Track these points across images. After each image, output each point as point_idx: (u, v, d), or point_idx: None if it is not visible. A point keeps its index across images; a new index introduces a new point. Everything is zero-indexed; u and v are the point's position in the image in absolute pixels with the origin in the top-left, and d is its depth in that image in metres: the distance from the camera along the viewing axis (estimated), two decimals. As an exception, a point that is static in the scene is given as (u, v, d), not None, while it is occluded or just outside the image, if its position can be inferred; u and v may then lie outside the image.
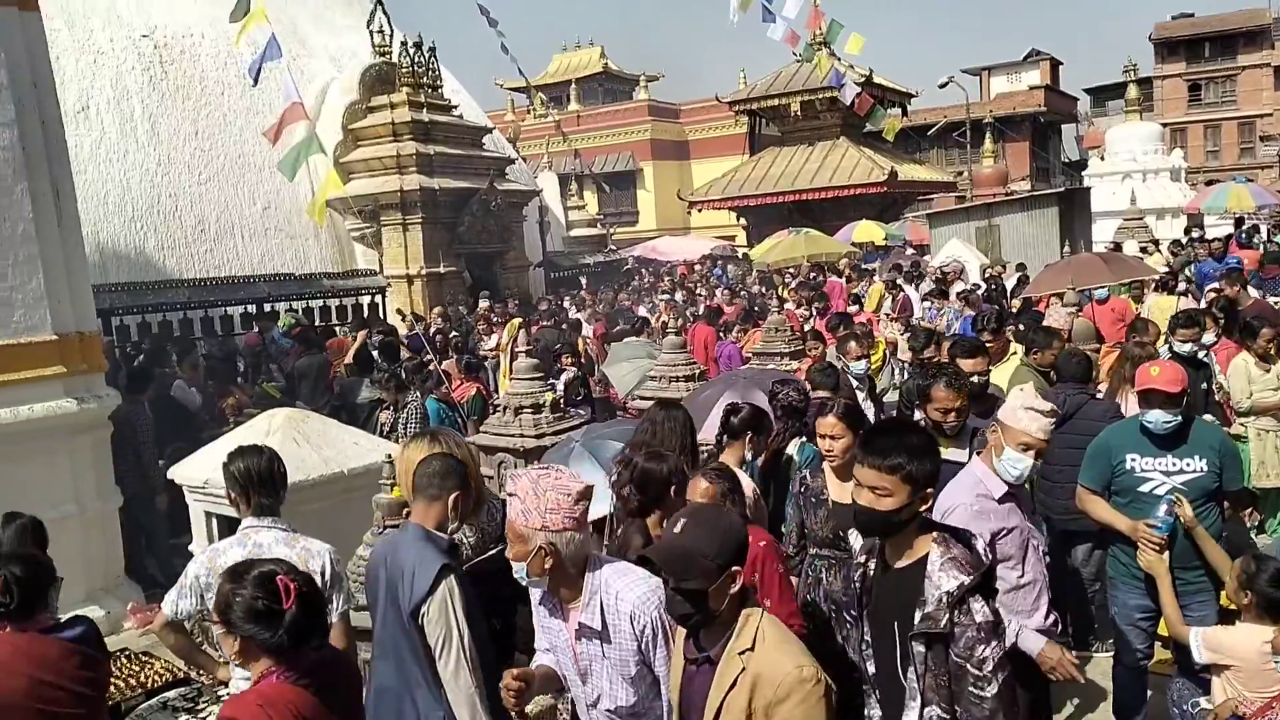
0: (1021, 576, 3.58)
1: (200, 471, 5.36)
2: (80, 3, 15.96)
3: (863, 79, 25.19)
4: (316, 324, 15.14)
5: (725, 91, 31.62)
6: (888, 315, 13.53)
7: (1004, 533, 3.56)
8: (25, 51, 6.33)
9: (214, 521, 5.50)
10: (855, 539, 2.89)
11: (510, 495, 2.73)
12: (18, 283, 6.15)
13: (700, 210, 31.85)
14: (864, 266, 18.89)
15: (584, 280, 22.96)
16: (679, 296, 17.68)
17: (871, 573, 2.74)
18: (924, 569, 2.53)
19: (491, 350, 12.92)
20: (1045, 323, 8.03)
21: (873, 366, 7.76)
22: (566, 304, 17.84)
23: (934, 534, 2.61)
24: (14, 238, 6.14)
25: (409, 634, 3.01)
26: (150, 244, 15.22)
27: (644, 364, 9.20)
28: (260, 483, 3.49)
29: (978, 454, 3.95)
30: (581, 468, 5.03)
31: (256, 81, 14.72)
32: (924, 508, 2.60)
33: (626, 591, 2.71)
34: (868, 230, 23.54)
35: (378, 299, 16.82)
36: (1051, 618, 3.65)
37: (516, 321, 14.12)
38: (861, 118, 22.87)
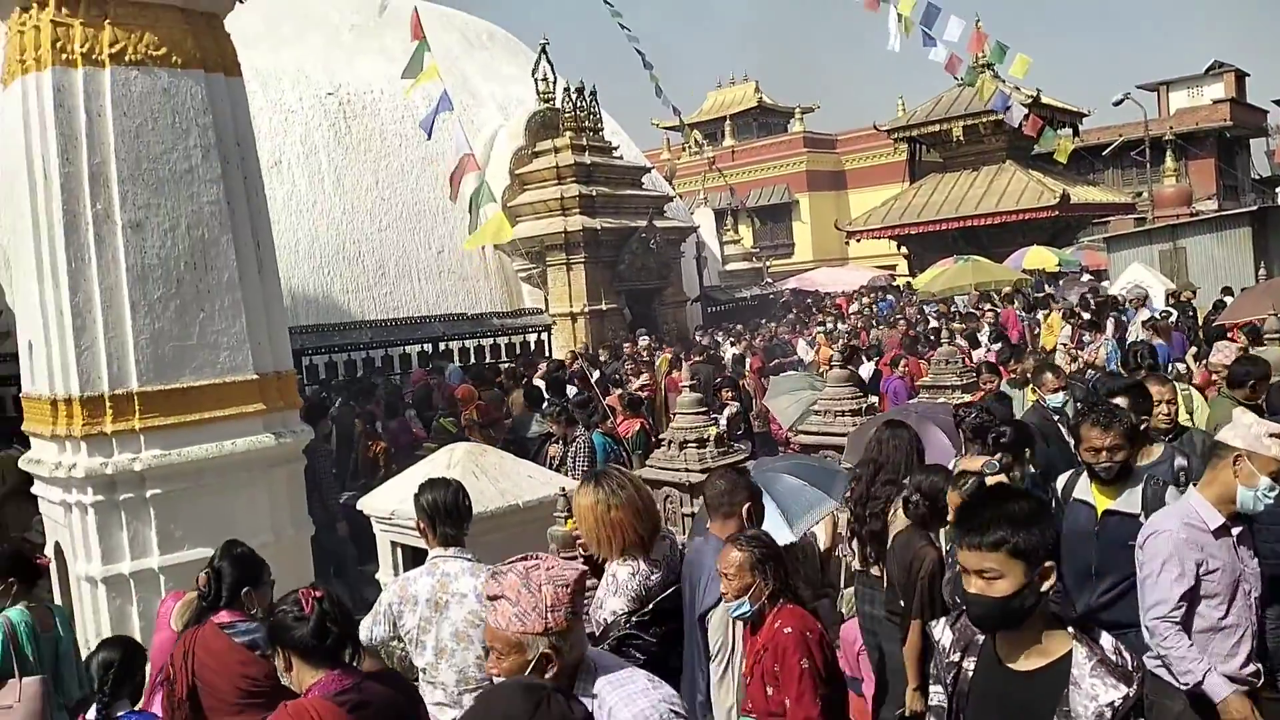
0: (1224, 618, 3.32)
1: (387, 503, 5.62)
2: (272, 66, 17.28)
3: (1030, 100, 24.28)
4: (486, 361, 15.76)
5: (883, 120, 31.11)
6: (1064, 346, 12.88)
7: (1212, 568, 3.31)
8: (230, 114, 6.89)
9: (399, 551, 5.74)
10: (942, 632, 2.48)
11: (493, 599, 2.33)
12: (223, 326, 6.66)
13: (859, 240, 31.34)
14: (1039, 294, 18.08)
15: (739, 314, 22.95)
16: (841, 326, 17.42)
17: (971, 674, 2.35)
18: (1063, 674, 2.16)
19: (644, 387, 13.03)
20: (1213, 358, 7.40)
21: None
22: (720, 338, 17.87)
23: (1071, 629, 2.24)
24: (220, 285, 6.65)
25: (693, 629, 3.57)
26: (336, 287, 16.25)
27: (806, 396, 9.08)
28: (447, 514, 3.64)
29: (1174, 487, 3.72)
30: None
31: (430, 135, 15.62)
32: (1047, 586, 2.22)
33: (622, 709, 2.27)
34: (1040, 256, 22.57)
35: (543, 336, 17.33)
36: (1251, 667, 3.35)
37: (666, 357, 14.26)
38: (1029, 140, 22.02)
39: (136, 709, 3.57)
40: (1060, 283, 21.95)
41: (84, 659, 4.64)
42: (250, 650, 3.53)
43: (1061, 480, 4.20)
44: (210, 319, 6.57)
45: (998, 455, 4.29)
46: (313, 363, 14.04)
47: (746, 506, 3.58)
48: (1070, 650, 2.20)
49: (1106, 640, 2.25)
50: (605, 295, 18.09)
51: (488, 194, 11.88)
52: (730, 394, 8.84)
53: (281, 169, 16.22)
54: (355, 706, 2.70)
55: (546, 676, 2.21)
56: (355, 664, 2.94)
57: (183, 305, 6.44)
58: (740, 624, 3.45)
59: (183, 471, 6.36)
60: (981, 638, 2.36)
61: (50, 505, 6.82)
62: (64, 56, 6.28)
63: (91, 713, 3.43)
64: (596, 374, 13.11)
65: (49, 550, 6.89)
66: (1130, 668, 2.19)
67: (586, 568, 2.73)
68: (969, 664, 2.38)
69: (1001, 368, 8.64)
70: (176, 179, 6.47)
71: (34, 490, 7.12)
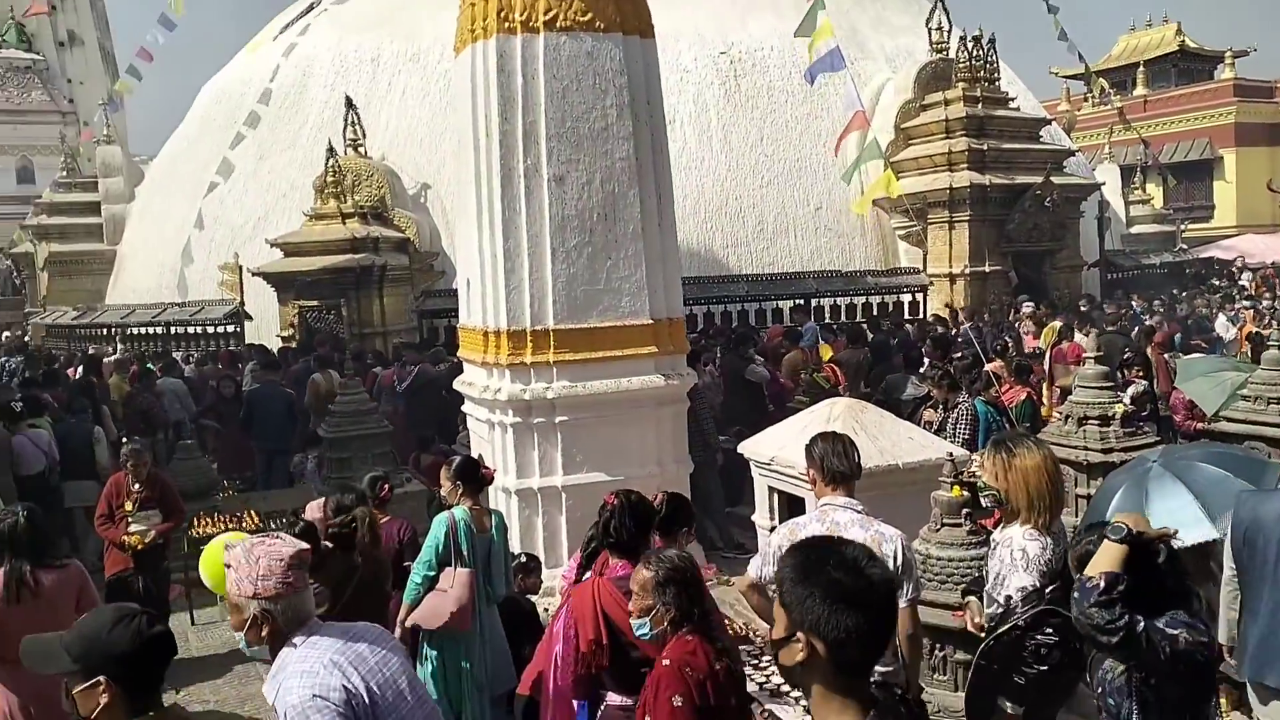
0: None
1: (768, 449, 5.80)
2: (671, 26, 18.04)
3: None
4: (858, 319, 15.62)
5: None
6: None
7: None
8: (643, 74, 7.33)
9: (775, 496, 5.92)
10: None
11: (227, 566, 2.70)
12: (626, 274, 7.18)
13: (1300, 204, 26.84)
14: None
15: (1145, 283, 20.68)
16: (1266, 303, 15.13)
17: None
18: None
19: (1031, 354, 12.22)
20: None
21: None
22: (1136, 307, 16.22)
23: None
24: (625, 236, 7.17)
25: None
26: (717, 242, 16.86)
27: (1230, 378, 8.03)
28: (837, 464, 3.69)
29: None
30: (1162, 489, 4.55)
31: (813, 81, 15.65)
32: None
33: (287, 692, 2.57)
34: None
35: (918, 297, 16.80)
36: None
37: (1056, 324, 13.19)
38: None
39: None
40: None
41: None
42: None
43: None
44: (616, 266, 7.11)
45: None
46: (692, 312, 14.72)
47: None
48: None
49: None
50: (990, 256, 17.10)
51: (874, 150, 11.65)
52: (1139, 371, 8.00)
53: (674, 127, 16.98)
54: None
55: (263, 635, 2.61)
56: None
57: (594, 253, 7.04)
58: None
59: (586, 403, 7.01)
60: None
61: (477, 423, 7.82)
62: (505, 25, 7.02)
63: None
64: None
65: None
66: None
67: (308, 545, 2.81)
68: None
69: None
70: (594, 136, 7.04)
71: (464, 409, 8.21)
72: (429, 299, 15.85)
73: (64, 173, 23.66)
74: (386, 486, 5.78)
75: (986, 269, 17.02)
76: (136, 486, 6.75)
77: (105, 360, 13.55)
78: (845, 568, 1.85)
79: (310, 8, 21.34)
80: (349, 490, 5.01)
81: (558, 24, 6.97)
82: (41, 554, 4.50)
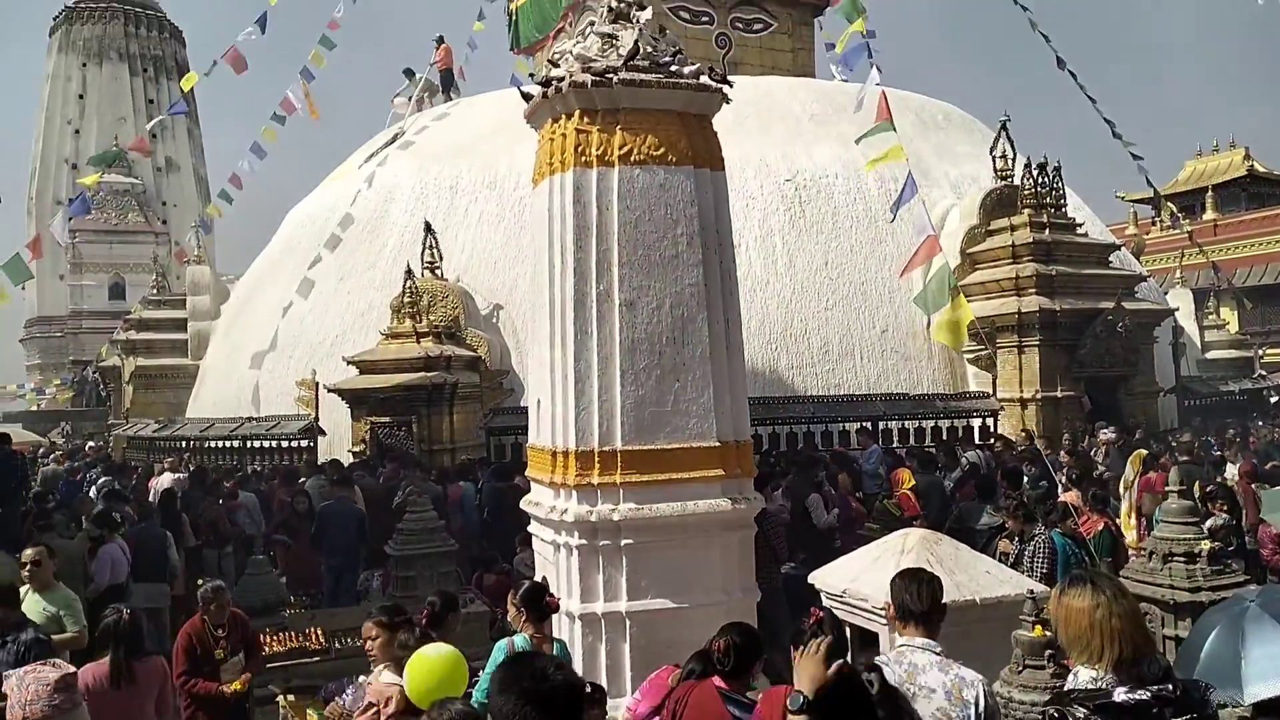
0: None
1: (839, 581, 5.69)
2: (738, 156, 18.57)
3: None
4: (927, 444, 15.40)
5: None
6: None
7: None
8: (713, 205, 7.56)
9: (846, 629, 5.76)
10: None
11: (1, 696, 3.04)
12: (694, 395, 7.24)
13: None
14: None
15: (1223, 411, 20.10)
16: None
17: None
18: None
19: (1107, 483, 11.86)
20: None
21: None
22: (1212, 439, 15.76)
23: None
24: (694, 359, 7.26)
25: None
26: (782, 363, 16.90)
27: (1324, 515, 7.70)
28: (920, 606, 3.61)
29: None
30: (1260, 632, 4.34)
31: (895, 217, 16.07)
32: None
33: None
34: None
35: (989, 421, 16.54)
36: None
37: (1141, 453, 12.83)
38: None
39: None
40: None
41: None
42: None
43: None
44: (684, 389, 7.18)
45: None
46: (758, 434, 14.66)
47: None
48: None
49: None
50: (1062, 381, 16.83)
51: (950, 279, 11.78)
52: (1223, 505, 7.69)
53: (741, 250, 17.30)
54: None
55: None
56: None
57: (662, 375, 7.13)
58: None
59: (652, 526, 6.97)
60: None
61: (542, 543, 7.81)
62: (583, 159, 7.33)
63: None
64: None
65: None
66: None
67: (73, 670, 3.17)
68: None
69: None
70: (665, 263, 7.22)
71: (530, 529, 8.22)
72: (497, 416, 16.08)
73: (154, 290, 24.85)
74: (426, 612, 5.58)
75: (1059, 394, 16.73)
76: (220, 631, 6.68)
77: (168, 474, 13.98)
78: (534, 677, 2.43)
79: (394, 139, 22.48)
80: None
81: (632, 158, 7.25)
82: (138, 648, 5.25)
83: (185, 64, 53.28)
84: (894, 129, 15.56)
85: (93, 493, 13.34)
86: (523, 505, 8.09)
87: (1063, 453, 12.65)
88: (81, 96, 50.16)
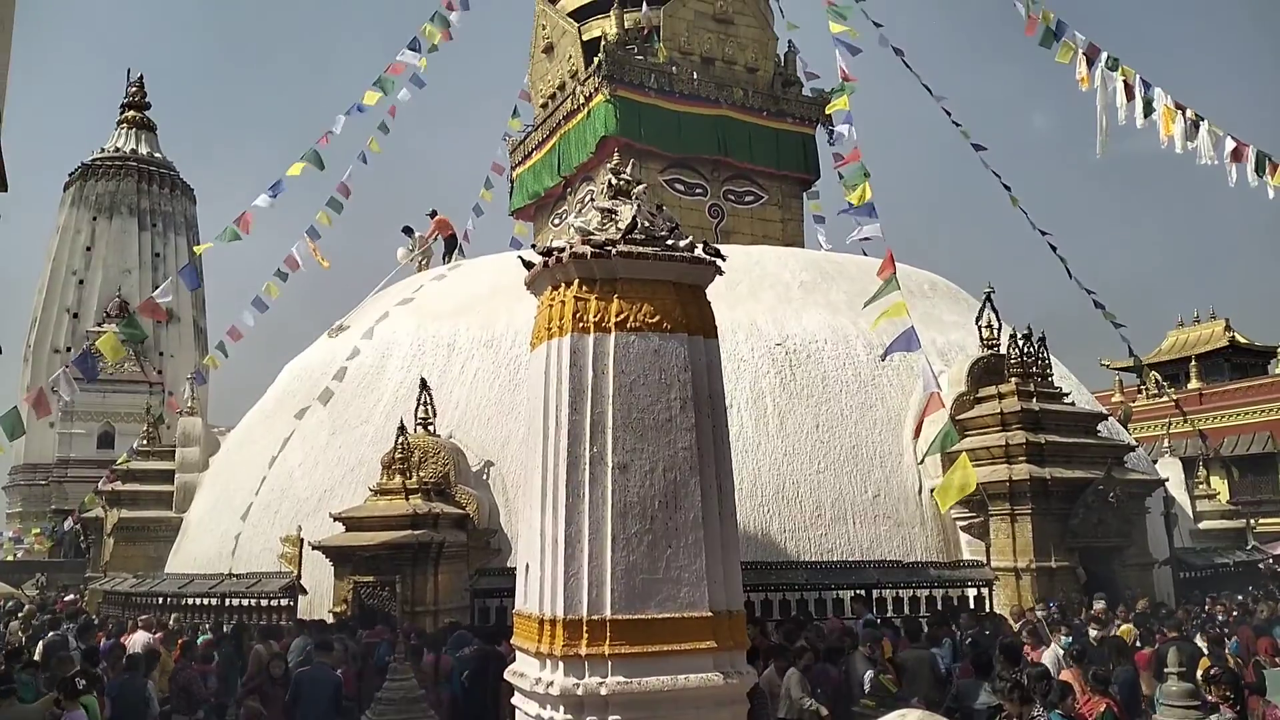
0: None
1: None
2: (729, 320, 19.03)
3: None
4: (921, 613, 15.09)
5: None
6: None
7: None
8: (706, 371, 7.69)
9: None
10: None
11: None
12: (685, 563, 7.16)
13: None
14: None
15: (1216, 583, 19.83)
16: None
17: None
18: None
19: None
20: None
21: None
22: (1219, 614, 15.52)
23: None
24: (686, 524, 7.22)
25: None
26: (774, 527, 16.75)
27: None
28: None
29: None
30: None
31: (885, 357, 16.64)
32: None
33: None
34: None
35: (984, 591, 16.27)
36: None
37: (1127, 628, 12.62)
38: None
39: None
40: None
41: None
42: None
43: None
44: (675, 555, 7.11)
45: None
46: (750, 600, 14.38)
47: None
48: None
49: None
50: (1055, 552, 16.65)
51: (953, 437, 11.97)
52: (1225, 690, 7.34)
53: (732, 412, 17.43)
54: None
55: None
56: None
57: (654, 541, 7.07)
58: None
59: (640, 701, 6.75)
60: None
61: (526, 717, 7.54)
62: (580, 325, 7.50)
63: None
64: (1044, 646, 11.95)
65: (520, 759, 7.53)
66: None
67: None
68: None
69: None
70: (658, 427, 7.29)
71: (513, 701, 7.93)
72: (484, 577, 15.77)
73: (144, 441, 24.72)
74: None
75: (1053, 564, 16.52)
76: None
77: (141, 633, 13.59)
78: None
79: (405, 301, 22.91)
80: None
81: (628, 325, 7.44)
82: None
83: (194, 219, 54.97)
84: (899, 286, 16.19)
85: (38, 653, 13.00)
86: (507, 676, 7.85)
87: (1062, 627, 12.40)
88: (89, 249, 51.37)
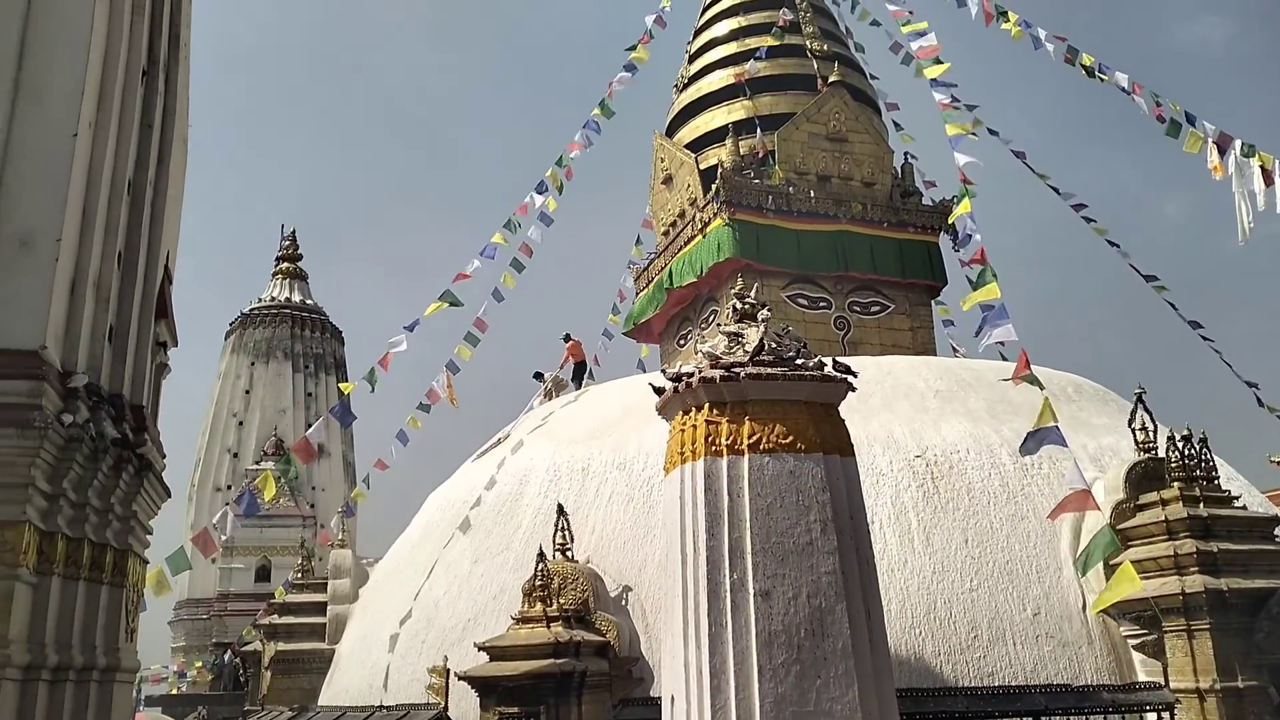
0: None
1: None
2: (864, 434, 18.68)
3: None
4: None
5: None
6: None
7: None
8: (845, 490, 7.60)
9: None
10: None
11: None
12: (837, 694, 6.93)
13: None
14: None
15: None
16: None
17: None
18: None
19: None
20: None
21: None
22: None
23: None
24: (835, 653, 7.02)
25: None
26: (928, 649, 15.97)
27: None
28: None
29: None
30: None
31: (1024, 453, 16.05)
32: None
33: None
34: None
35: (1164, 716, 14.98)
36: None
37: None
38: None
39: None
40: None
41: None
42: None
43: None
44: (826, 686, 6.89)
45: None
46: (906, 729, 13.65)
47: None
48: None
49: None
50: (1241, 670, 15.22)
51: (1108, 540, 11.38)
52: None
53: (874, 528, 16.91)
54: None
55: None
56: None
57: (802, 671, 6.89)
58: None
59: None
60: None
61: None
62: (712, 448, 7.56)
63: None
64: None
65: None
66: None
67: None
68: None
69: None
70: (799, 551, 7.20)
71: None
72: (626, 708, 15.52)
73: (299, 574, 25.70)
74: None
75: (1240, 684, 15.11)
76: None
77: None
78: None
79: (502, 440, 23.60)
80: None
81: (761, 446, 7.46)
82: None
83: (342, 359, 58.23)
84: (1042, 386, 15.79)
85: None
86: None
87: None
88: (248, 392, 54.83)
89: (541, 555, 16.49)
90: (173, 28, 11.19)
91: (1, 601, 6.88)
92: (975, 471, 18.46)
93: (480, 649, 15.92)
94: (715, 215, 26.67)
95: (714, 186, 26.80)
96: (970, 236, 19.12)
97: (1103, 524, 15.06)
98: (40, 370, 7.41)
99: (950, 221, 24.55)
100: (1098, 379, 23.92)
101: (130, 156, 9.16)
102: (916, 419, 19.78)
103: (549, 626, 15.65)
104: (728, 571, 7.11)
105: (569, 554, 17.59)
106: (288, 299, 57.87)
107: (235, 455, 53.24)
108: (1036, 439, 15.78)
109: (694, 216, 28.10)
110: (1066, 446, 15.75)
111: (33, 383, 7.30)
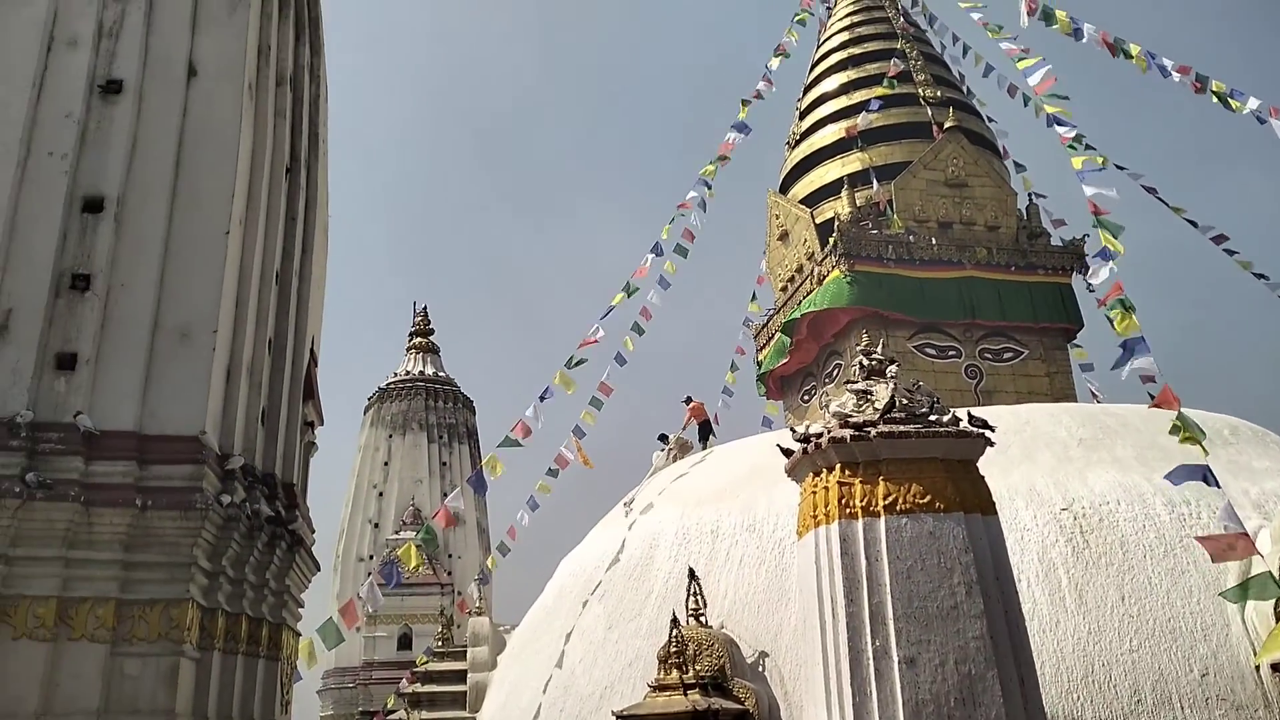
0: None
1: None
2: (1005, 487, 17.93)
3: None
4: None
5: None
6: None
7: None
8: (989, 551, 7.32)
9: None
10: None
11: None
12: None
13: None
14: None
15: None
16: None
17: None
18: None
19: None
20: None
21: None
22: None
23: None
24: (987, 721, 6.68)
25: None
26: (1088, 715, 15.01)
27: None
28: None
29: None
30: None
31: (1175, 481, 15.20)
32: None
33: None
34: None
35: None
36: None
37: None
38: None
39: None
40: None
41: None
42: None
43: None
44: (973, 758, 6.58)
45: None
46: (1069, 802, 12.84)
47: None
48: None
49: None
50: None
51: (1270, 585, 10.59)
52: None
53: (1021, 586, 16.14)
54: None
55: None
56: None
57: (953, 742, 6.59)
58: None
59: None
60: None
61: None
62: (846, 510, 7.40)
63: None
64: None
65: None
66: None
67: None
68: None
69: None
70: (943, 616, 6.93)
71: None
72: (773, 779, 15.10)
73: (439, 642, 26.18)
74: None
75: None
76: None
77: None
78: None
79: (630, 501, 23.64)
80: None
81: (898, 507, 7.27)
82: None
83: (474, 428, 59.85)
84: (1203, 434, 15.00)
85: None
86: None
87: None
88: (386, 463, 56.83)
89: (675, 621, 16.34)
90: (312, 125, 11.99)
91: (168, 677, 7.25)
92: (1128, 524, 17.45)
93: (618, 718, 15.82)
94: (834, 267, 26.46)
95: (831, 240, 26.65)
96: (1103, 272, 18.40)
97: (1264, 569, 13.96)
98: (201, 454, 7.89)
99: (1084, 254, 23.67)
100: (1254, 421, 22.42)
101: (277, 249, 9.77)
102: (1060, 470, 18.89)
103: (686, 694, 15.43)
104: (869, 638, 6.90)
105: (702, 619, 17.37)
106: (421, 372, 60.06)
107: (376, 525, 55.05)
108: (1185, 471, 14.87)
109: (812, 270, 27.94)
110: (1219, 488, 14.76)
111: (194, 466, 7.77)
